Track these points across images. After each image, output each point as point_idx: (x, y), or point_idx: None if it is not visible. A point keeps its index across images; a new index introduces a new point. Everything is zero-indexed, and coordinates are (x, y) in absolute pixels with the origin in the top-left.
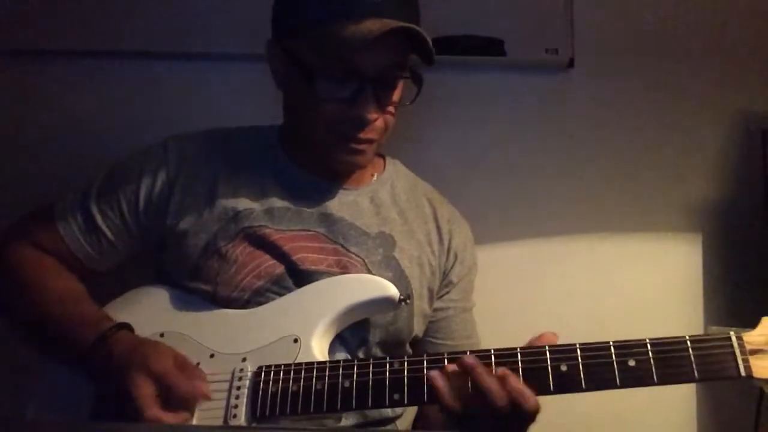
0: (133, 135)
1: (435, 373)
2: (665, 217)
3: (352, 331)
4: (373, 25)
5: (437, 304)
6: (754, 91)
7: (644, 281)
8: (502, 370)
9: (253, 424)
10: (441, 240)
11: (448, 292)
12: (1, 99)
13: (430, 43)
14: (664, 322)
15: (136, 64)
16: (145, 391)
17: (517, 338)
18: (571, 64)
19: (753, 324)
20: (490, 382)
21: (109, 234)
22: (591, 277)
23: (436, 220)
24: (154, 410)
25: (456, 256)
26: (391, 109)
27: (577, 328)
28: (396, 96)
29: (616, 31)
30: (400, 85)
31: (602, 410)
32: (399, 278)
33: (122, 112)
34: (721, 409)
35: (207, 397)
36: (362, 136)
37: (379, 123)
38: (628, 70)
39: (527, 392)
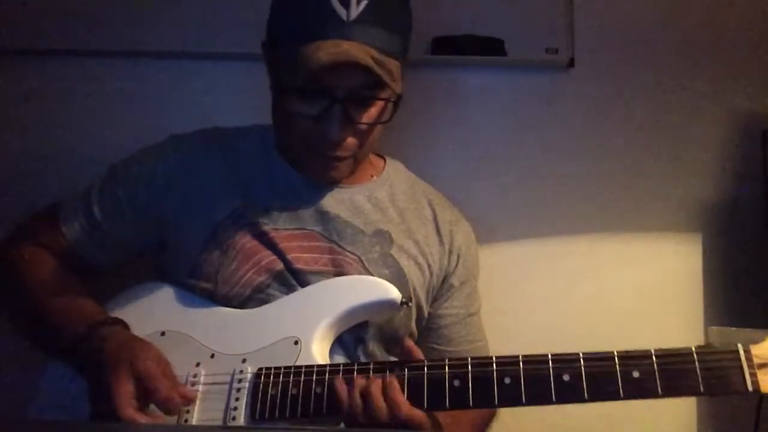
0: (133, 135)
1: (339, 383)
2: (665, 217)
3: (349, 329)
4: (326, 55)
5: (439, 311)
6: (754, 91)
7: (644, 281)
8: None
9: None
10: (441, 242)
11: (449, 298)
12: (1, 99)
13: (384, 77)
14: (664, 322)
15: (135, 64)
16: (126, 389)
17: (516, 338)
18: (571, 64)
19: (753, 324)
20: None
21: (111, 232)
22: (591, 277)
23: (436, 221)
24: (129, 410)
25: (458, 258)
26: (363, 127)
27: (576, 328)
28: (371, 114)
29: (616, 31)
30: (377, 103)
31: (602, 409)
32: (397, 276)
33: (122, 112)
34: (721, 410)
35: (189, 401)
36: (331, 153)
37: (351, 141)
38: (628, 70)
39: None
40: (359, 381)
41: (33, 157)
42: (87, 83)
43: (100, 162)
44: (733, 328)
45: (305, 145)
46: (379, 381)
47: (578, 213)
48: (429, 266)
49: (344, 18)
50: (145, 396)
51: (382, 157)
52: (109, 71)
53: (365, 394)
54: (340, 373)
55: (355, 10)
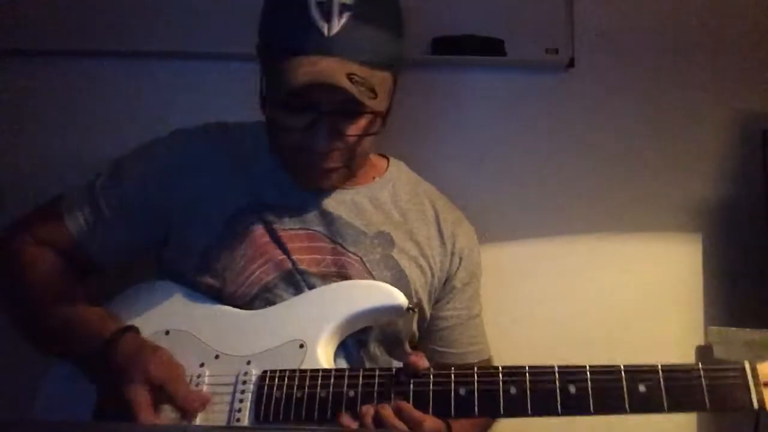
0: (133, 135)
1: (346, 420)
2: (665, 217)
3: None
4: (303, 75)
5: (441, 313)
6: (754, 91)
7: (644, 281)
8: (399, 403)
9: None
10: (443, 243)
11: (451, 299)
12: (1, 99)
13: (361, 97)
14: (664, 322)
15: (136, 64)
16: (143, 398)
17: (516, 338)
18: (571, 64)
19: (753, 324)
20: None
21: (116, 228)
22: (591, 277)
23: (438, 223)
24: (150, 419)
25: (461, 260)
26: (352, 138)
27: (576, 329)
28: (359, 125)
29: (616, 31)
30: (365, 114)
31: None
32: (398, 278)
33: (122, 112)
34: (721, 417)
35: (206, 402)
36: (320, 165)
37: (339, 152)
38: (628, 70)
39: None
40: (367, 410)
41: (33, 157)
42: (87, 83)
43: (100, 162)
44: (733, 328)
45: (295, 156)
46: (387, 406)
47: (578, 213)
48: (430, 268)
49: (324, 32)
50: (163, 400)
51: (385, 157)
52: (109, 71)
53: (379, 422)
54: (345, 379)
55: (337, 24)
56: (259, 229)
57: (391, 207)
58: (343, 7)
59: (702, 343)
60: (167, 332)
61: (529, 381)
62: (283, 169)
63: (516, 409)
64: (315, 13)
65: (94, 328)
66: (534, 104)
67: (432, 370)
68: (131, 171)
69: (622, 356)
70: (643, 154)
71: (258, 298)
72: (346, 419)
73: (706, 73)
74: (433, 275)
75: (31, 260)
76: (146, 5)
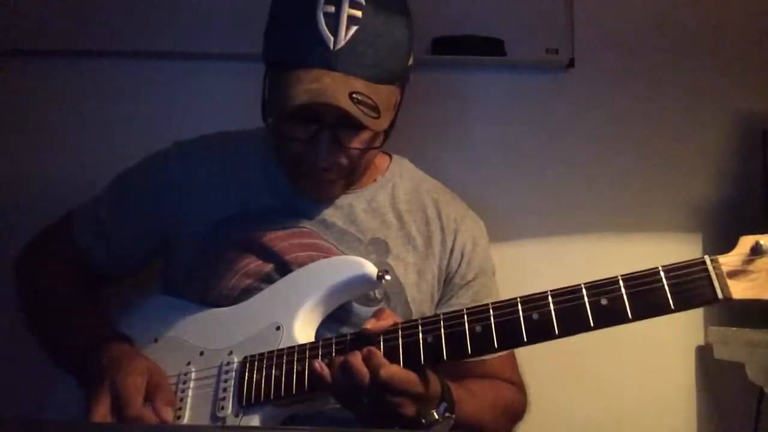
0: (133, 135)
1: (317, 363)
2: (665, 217)
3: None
4: (304, 92)
5: (445, 310)
6: (754, 91)
7: None
8: (367, 349)
9: (240, 414)
10: (444, 241)
11: (453, 296)
12: (1, 99)
13: (362, 118)
14: (664, 322)
15: (136, 64)
16: (102, 409)
17: None
18: (571, 64)
19: (753, 324)
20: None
21: (119, 241)
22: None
23: (439, 221)
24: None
25: (462, 256)
26: (355, 151)
27: None
28: (362, 138)
29: (616, 31)
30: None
31: (602, 411)
32: (392, 284)
33: (122, 112)
34: (721, 410)
35: (164, 422)
36: (321, 176)
37: (341, 164)
38: (628, 70)
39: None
40: (337, 359)
41: (33, 158)
42: (87, 83)
43: (100, 161)
44: (733, 328)
45: (297, 165)
46: (358, 353)
47: (578, 213)
48: (431, 270)
49: (330, 46)
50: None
51: (388, 154)
52: (109, 71)
53: (345, 366)
54: (319, 350)
55: (344, 38)
56: (244, 238)
57: (388, 210)
58: (352, 20)
59: (702, 343)
60: (155, 340)
61: (494, 316)
62: (280, 171)
63: (483, 347)
64: (322, 25)
65: (88, 333)
66: (534, 104)
67: (400, 324)
68: (131, 186)
69: (622, 356)
70: (643, 153)
71: (240, 301)
72: (318, 364)
73: (706, 73)
74: (434, 277)
75: (42, 271)
76: (146, 5)
